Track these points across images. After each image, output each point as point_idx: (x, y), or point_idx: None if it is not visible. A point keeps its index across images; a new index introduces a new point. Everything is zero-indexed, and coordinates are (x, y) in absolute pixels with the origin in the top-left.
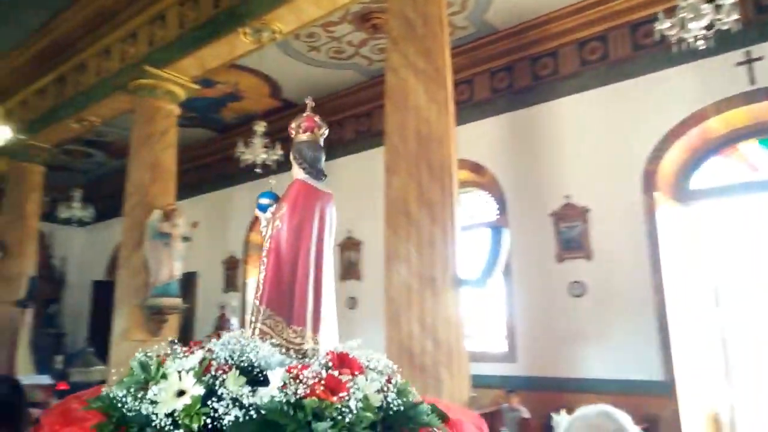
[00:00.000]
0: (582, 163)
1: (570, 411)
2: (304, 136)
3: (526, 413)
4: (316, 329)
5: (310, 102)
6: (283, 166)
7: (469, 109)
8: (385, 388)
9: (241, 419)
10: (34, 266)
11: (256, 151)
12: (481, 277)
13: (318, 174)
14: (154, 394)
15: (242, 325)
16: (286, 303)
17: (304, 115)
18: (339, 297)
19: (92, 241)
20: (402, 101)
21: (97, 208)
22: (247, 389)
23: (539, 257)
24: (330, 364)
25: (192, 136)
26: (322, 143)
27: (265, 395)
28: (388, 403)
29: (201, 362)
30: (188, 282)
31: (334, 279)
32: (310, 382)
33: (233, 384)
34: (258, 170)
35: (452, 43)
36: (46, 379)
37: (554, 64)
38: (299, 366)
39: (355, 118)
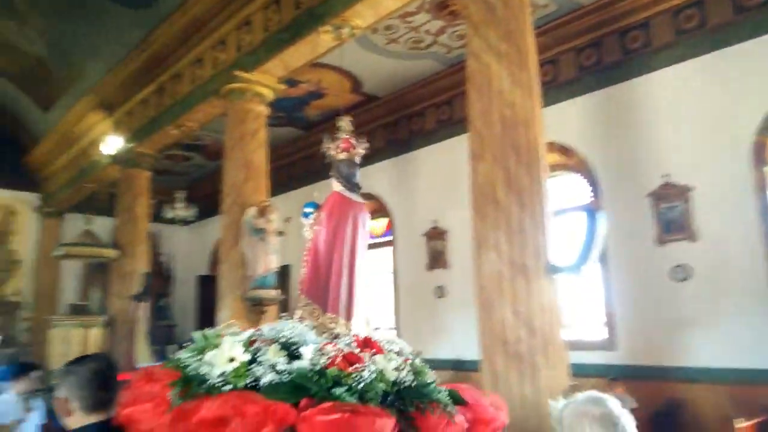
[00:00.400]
0: (681, 139)
1: (676, 401)
2: (342, 155)
3: (632, 403)
4: (349, 316)
5: (347, 124)
6: (369, 158)
7: (554, 90)
8: (401, 367)
9: (274, 381)
10: (146, 264)
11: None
12: (577, 263)
13: (352, 187)
14: (209, 359)
15: None
16: (322, 294)
17: (342, 137)
18: (426, 287)
19: (195, 239)
20: (485, 86)
21: (198, 208)
22: (282, 359)
23: (637, 240)
24: (354, 344)
25: (280, 135)
26: (357, 161)
27: (297, 365)
28: (402, 379)
29: (249, 338)
30: (283, 275)
31: (366, 274)
32: (332, 355)
33: (273, 355)
34: None
35: (534, 23)
36: None
37: (646, 36)
38: (329, 343)
39: (435, 107)
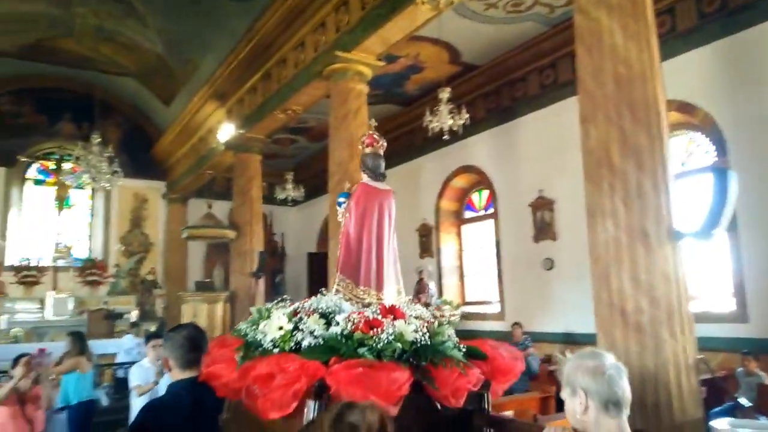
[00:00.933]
0: None
1: None
2: (367, 150)
3: (767, 379)
4: (379, 288)
5: (372, 122)
6: (469, 129)
7: (671, 42)
8: (419, 329)
9: (312, 344)
10: (261, 243)
11: (442, 118)
12: (705, 228)
13: (377, 177)
14: (262, 328)
15: (440, 289)
16: (354, 271)
17: (367, 133)
18: (533, 259)
19: (303, 218)
20: (595, 43)
21: (306, 188)
22: (319, 326)
23: None
24: (379, 312)
25: (379, 112)
26: (381, 152)
27: (332, 330)
28: (419, 339)
29: (294, 310)
30: None
31: (397, 251)
32: (357, 322)
33: (313, 323)
34: (446, 137)
35: None
36: None
37: None
38: (356, 312)
39: (538, 71)
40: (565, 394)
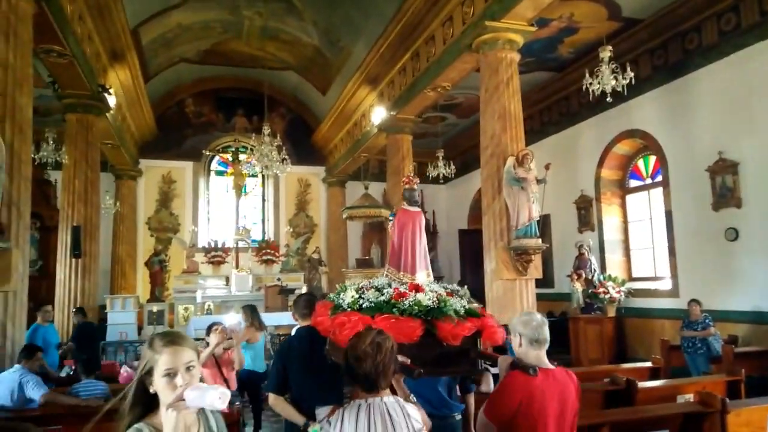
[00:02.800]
0: None
1: None
2: (406, 186)
3: None
4: (413, 273)
5: (412, 167)
6: (633, 90)
7: None
8: (431, 299)
9: (367, 306)
10: None
11: (604, 79)
12: None
13: (411, 204)
14: (342, 296)
15: (602, 265)
16: (396, 262)
17: (407, 175)
18: (713, 229)
19: (452, 195)
20: None
21: (455, 165)
22: (374, 295)
23: None
24: (408, 287)
25: (530, 81)
26: (415, 187)
27: (381, 298)
28: (431, 305)
29: (360, 286)
30: (544, 224)
31: (426, 249)
32: (392, 293)
33: (371, 293)
34: (609, 99)
35: None
36: None
37: None
38: (393, 288)
39: (716, 17)
40: (512, 337)
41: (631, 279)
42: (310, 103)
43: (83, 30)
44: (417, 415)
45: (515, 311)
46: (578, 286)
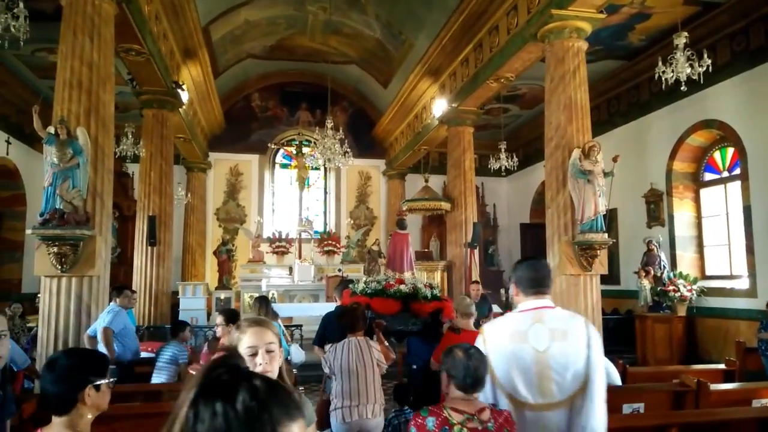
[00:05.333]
0: None
1: None
2: (398, 217)
3: None
4: (402, 272)
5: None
6: (710, 78)
7: None
8: (409, 288)
9: (370, 292)
10: (474, 214)
11: (679, 67)
12: None
13: (402, 228)
14: (355, 285)
15: (672, 262)
16: (392, 265)
17: (400, 209)
18: None
19: (514, 188)
20: None
21: (517, 157)
22: (376, 286)
23: None
24: (395, 281)
25: (598, 70)
26: (404, 217)
27: (377, 287)
28: (408, 291)
29: (367, 280)
30: (611, 218)
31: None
32: (384, 283)
33: (374, 285)
34: (683, 88)
35: None
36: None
37: None
38: (387, 281)
39: None
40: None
41: (704, 277)
42: (371, 96)
43: (159, 29)
44: (377, 348)
45: (579, 308)
46: (646, 284)
